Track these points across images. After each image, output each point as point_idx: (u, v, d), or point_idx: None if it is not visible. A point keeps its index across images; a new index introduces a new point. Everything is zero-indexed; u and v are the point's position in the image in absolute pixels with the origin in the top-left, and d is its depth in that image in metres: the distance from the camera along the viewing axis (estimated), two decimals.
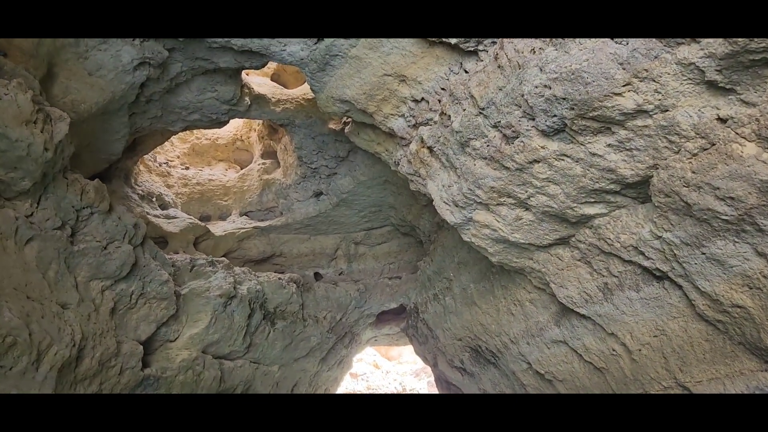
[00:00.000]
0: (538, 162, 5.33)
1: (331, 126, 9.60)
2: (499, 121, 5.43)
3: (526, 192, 5.72)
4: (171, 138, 12.41)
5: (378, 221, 12.49)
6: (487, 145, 5.69)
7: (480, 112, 5.64)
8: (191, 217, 11.04)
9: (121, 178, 9.90)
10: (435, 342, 11.70)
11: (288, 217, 11.85)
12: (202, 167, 12.85)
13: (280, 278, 10.85)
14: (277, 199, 11.99)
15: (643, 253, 5.29)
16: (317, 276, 12.97)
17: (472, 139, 5.80)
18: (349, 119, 8.87)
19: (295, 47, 6.93)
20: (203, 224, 11.00)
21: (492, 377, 9.94)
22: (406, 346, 20.65)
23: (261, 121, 12.44)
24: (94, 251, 6.49)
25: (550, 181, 5.44)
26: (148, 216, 10.19)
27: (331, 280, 12.82)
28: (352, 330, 13.29)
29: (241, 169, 13.06)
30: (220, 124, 9.68)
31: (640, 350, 5.97)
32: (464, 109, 5.89)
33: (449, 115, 6.15)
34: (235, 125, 13.61)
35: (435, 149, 6.68)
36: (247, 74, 9.56)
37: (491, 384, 10.12)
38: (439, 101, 6.60)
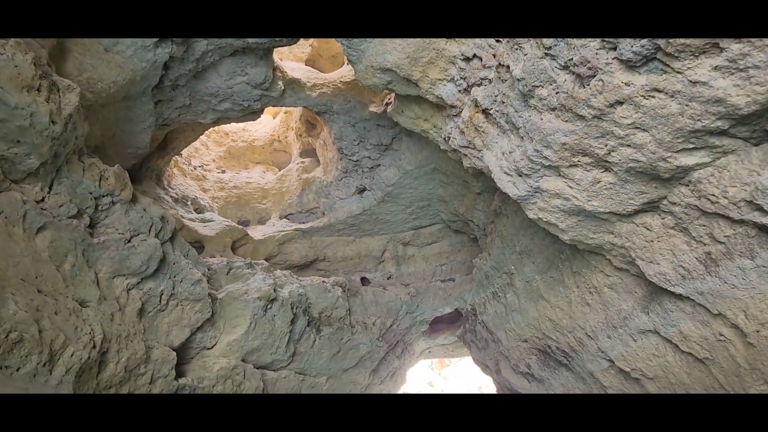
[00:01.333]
0: (622, 104, 4.47)
1: (372, 109, 8.94)
2: (571, 59, 4.61)
3: (606, 145, 4.85)
4: (206, 142, 12.03)
5: (427, 218, 11.70)
6: (556, 92, 4.86)
7: (546, 53, 4.84)
8: (228, 220, 10.53)
9: (153, 179, 9.49)
10: (496, 346, 10.74)
11: (330, 217, 11.21)
12: (239, 171, 12.41)
13: (324, 281, 10.18)
14: (318, 199, 11.38)
15: (761, 208, 4.33)
16: (364, 281, 12.24)
17: (538, 87, 4.98)
18: (391, 96, 8.19)
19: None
20: (241, 227, 10.47)
21: (564, 381, 8.92)
22: (463, 358, 19.58)
23: (298, 119, 11.92)
24: (116, 244, 5.96)
25: (636, 127, 4.57)
26: (183, 219, 9.72)
27: (379, 284, 12.07)
28: (404, 339, 12.47)
29: (280, 171, 12.54)
30: (254, 114, 9.17)
31: (758, 331, 4.96)
32: (526, 54, 5.10)
33: (507, 66, 5.36)
34: (272, 126, 13.17)
35: (492, 111, 5.89)
36: (281, 59, 9.02)
37: (564, 389, 9.09)
38: (494, 55, 5.83)
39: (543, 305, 8.33)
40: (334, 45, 9.80)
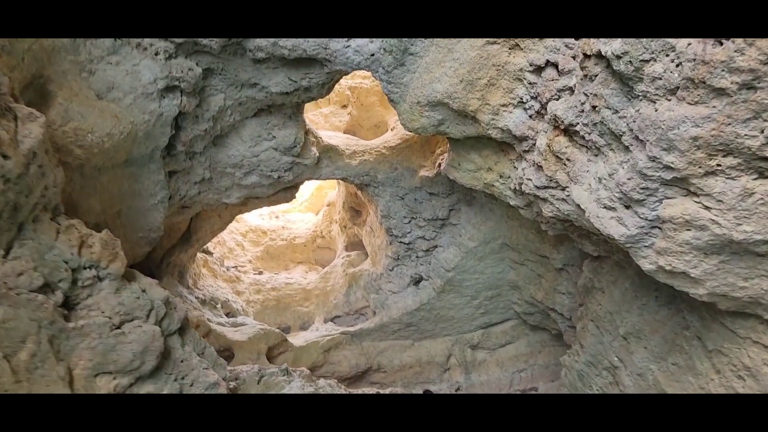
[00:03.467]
0: None
1: (424, 173, 7.78)
2: None
3: (764, 131, 3.41)
4: (242, 242, 11.07)
5: (498, 312, 10.02)
6: (677, 63, 3.54)
7: None
8: (263, 324, 9.19)
9: (175, 276, 8.41)
10: None
11: (383, 316, 9.72)
12: (278, 272, 11.26)
13: (378, 392, 8.50)
14: (368, 296, 9.98)
15: None
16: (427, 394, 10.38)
17: (648, 61, 3.68)
18: (444, 155, 7.03)
19: (362, 40, 5.39)
20: (278, 331, 9.09)
21: None
22: None
23: (341, 207, 10.88)
24: (98, 330, 4.68)
25: None
26: (210, 323, 8.47)
27: None
28: None
29: (324, 269, 11.32)
30: (287, 192, 8.16)
31: None
32: None
33: (597, 51, 4.11)
34: (314, 222, 12.18)
35: (578, 127, 4.59)
36: (315, 128, 8.10)
37: None
38: (573, 57, 4.63)
39: None
40: (376, 113, 8.96)
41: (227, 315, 9.37)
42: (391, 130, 8.51)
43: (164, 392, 5.32)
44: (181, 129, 6.17)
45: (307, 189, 14.05)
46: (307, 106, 9.19)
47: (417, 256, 9.15)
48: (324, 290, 10.63)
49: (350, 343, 9.88)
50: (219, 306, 9.31)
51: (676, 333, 6.04)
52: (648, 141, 3.87)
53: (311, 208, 13.18)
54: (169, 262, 8.29)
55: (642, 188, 4.11)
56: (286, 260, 11.63)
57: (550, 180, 5.18)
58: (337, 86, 9.15)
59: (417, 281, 9.50)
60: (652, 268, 4.61)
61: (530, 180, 5.46)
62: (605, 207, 4.59)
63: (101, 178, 5.80)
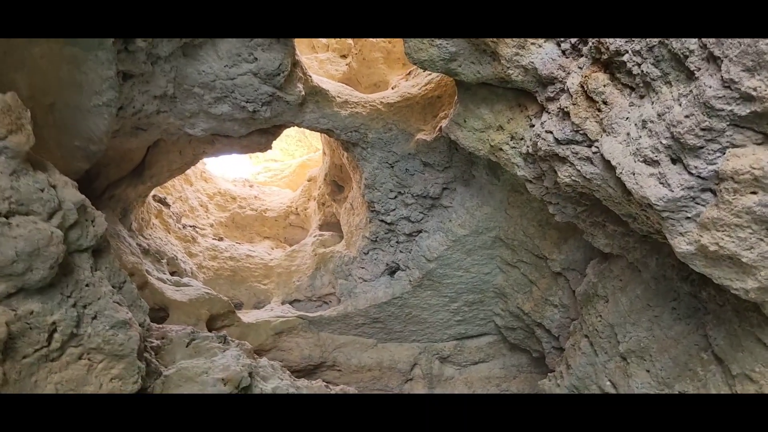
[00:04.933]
0: None
1: (422, 137, 6.83)
2: None
3: None
4: (206, 203, 10.04)
5: (476, 323, 9.02)
6: None
7: None
8: (211, 289, 8.12)
9: (117, 212, 7.36)
10: None
11: (347, 305, 8.68)
12: (240, 242, 10.20)
13: (327, 386, 7.44)
14: (335, 281, 8.95)
15: None
16: None
17: None
18: (447, 114, 6.10)
19: None
20: (226, 299, 8.01)
21: None
22: None
23: (323, 180, 9.89)
24: None
25: None
26: (148, 275, 7.40)
27: None
28: None
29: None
30: (263, 137, 7.18)
31: None
32: None
33: None
34: (290, 197, 11.18)
35: (626, 57, 3.69)
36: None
37: None
38: None
39: None
40: (378, 70, 8.05)
41: (172, 274, 8.29)
42: (392, 88, 7.60)
43: (54, 316, 4.25)
44: None
45: (290, 166, 13.08)
46: (302, 48, 8.28)
47: (397, 241, 8.15)
48: (288, 269, 9.58)
49: (306, 330, 8.81)
50: (164, 261, 8.24)
51: (690, 354, 5.08)
52: (726, 57, 2.96)
53: (291, 185, 12.20)
54: (113, 195, 7.24)
55: (703, 128, 3.18)
56: (252, 233, 10.58)
57: (577, 131, 4.26)
58: None
59: (393, 271, 8.50)
60: (689, 250, 3.68)
61: (550, 133, 4.54)
62: (645, 161, 3.67)
63: (32, 49, 4.81)
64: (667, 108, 3.43)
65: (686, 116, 3.26)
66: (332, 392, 7.55)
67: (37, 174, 4.14)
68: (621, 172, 3.84)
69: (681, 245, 3.73)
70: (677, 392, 5.23)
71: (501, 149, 5.48)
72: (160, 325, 6.60)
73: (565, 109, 4.30)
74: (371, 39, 7.97)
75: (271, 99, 6.37)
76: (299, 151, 14.39)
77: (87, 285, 4.51)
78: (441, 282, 8.16)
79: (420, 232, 7.89)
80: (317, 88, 6.73)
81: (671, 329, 5.24)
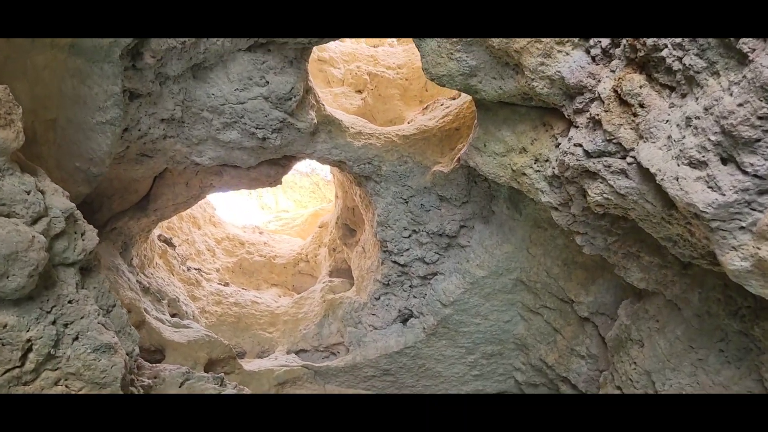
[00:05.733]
0: None
1: (439, 168, 6.51)
2: None
3: None
4: (214, 248, 9.73)
5: (494, 379, 8.39)
6: None
7: None
8: (211, 332, 7.66)
9: (117, 245, 7.04)
10: None
11: (356, 355, 8.14)
12: (247, 288, 9.79)
13: None
14: (344, 329, 8.45)
15: None
16: None
17: None
18: (465, 146, 5.81)
19: None
20: (227, 343, 7.53)
21: None
22: None
23: (335, 224, 9.56)
24: None
25: None
26: (146, 314, 6.99)
27: None
28: None
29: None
30: (272, 169, 6.93)
31: None
32: None
33: None
34: (300, 244, 10.83)
35: (665, 52, 3.39)
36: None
37: None
38: None
39: None
40: (394, 106, 7.87)
41: (172, 316, 7.87)
42: (408, 122, 7.38)
43: (30, 333, 3.86)
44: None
45: (302, 215, 12.82)
46: (316, 81, 8.15)
47: (411, 285, 7.70)
48: (295, 317, 9.10)
49: (311, 381, 8.24)
50: (165, 302, 7.84)
51: None
52: None
53: (302, 234, 11.88)
54: (115, 228, 6.95)
55: (761, 116, 2.83)
56: (259, 279, 10.18)
57: (609, 140, 3.91)
58: (354, 67, 8.15)
59: (405, 318, 8.00)
60: (744, 267, 3.25)
61: (579, 146, 4.20)
62: (690, 163, 3.29)
63: (35, 57, 4.64)
64: (716, 100, 3.08)
65: (739, 105, 2.91)
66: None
67: (24, 176, 3.87)
68: (662, 179, 3.46)
69: (734, 261, 3.30)
70: None
71: (524, 174, 5.13)
72: (153, 365, 6.14)
73: (596, 117, 3.98)
74: (388, 76, 7.84)
75: (281, 126, 6.15)
76: (312, 203, 14.19)
77: (70, 302, 4.13)
78: (457, 330, 7.64)
79: (435, 274, 7.45)
80: (330, 117, 6.52)
81: (719, 374, 4.68)
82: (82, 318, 4.18)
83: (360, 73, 7.91)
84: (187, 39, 5.18)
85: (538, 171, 5.02)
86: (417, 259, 7.38)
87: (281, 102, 5.95)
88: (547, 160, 4.90)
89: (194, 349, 7.13)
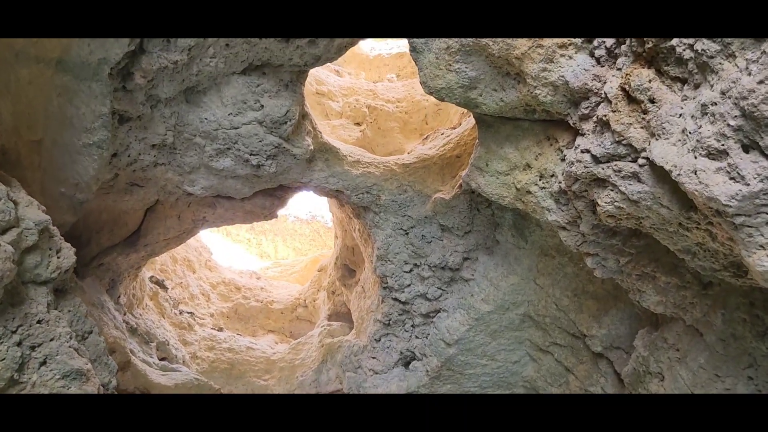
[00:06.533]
0: None
1: (441, 195, 6.26)
2: None
3: None
4: (208, 292, 9.42)
5: None
6: None
7: None
8: (201, 376, 7.25)
9: (104, 282, 6.75)
10: None
11: None
12: (242, 334, 9.40)
13: None
14: (343, 374, 8.01)
15: None
16: None
17: None
18: (466, 172, 5.59)
19: None
20: (218, 387, 7.10)
21: None
22: None
23: (333, 264, 9.26)
24: None
25: None
26: (132, 355, 6.62)
27: None
28: None
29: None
30: (267, 200, 6.70)
31: None
32: None
33: None
34: (299, 290, 10.49)
35: (675, 41, 3.20)
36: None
37: None
38: None
39: None
40: (393, 139, 7.71)
41: (161, 359, 7.47)
42: (408, 153, 7.19)
43: None
44: (145, 52, 4.95)
45: (301, 261, 12.51)
46: (315, 114, 8.03)
47: (413, 324, 7.32)
48: (291, 363, 8.67)
49: None
50: (153, 345, 7.46)
51: None
52: None
53: (301, 281, 11.55)
54: (102, 264, 6.67)
55: None
56: (255, 325, 9.79)
57: (619, 141, 3.69)
58: (353, 100, 8.05)
59: (407, 361, 7.57)
60: None
61: (587, 152, 3.97)
62: (708, 154, 3.04)
63: (20, 70, 4.51)
64: (733, 82, 2.87)
65: (759, 82, 2.69)
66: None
67: None
68: (679, 174, 3.21)
69: (763, 262, 3.01)
70: None
71: (529, 192, 4.89)
72: None
73: (604, 119, 3.77)
74: (388, 110, 7.74)
75: (276, 151, 5.97)
76: (313, 251, 13.92)
77: (39, 322, 3.82)
78: (462, 373, 7.21)
79: (438, 312, 7.09)
80: (327, 145, 6.35)
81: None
82: (51, 340, 3.86)
83: (359, 106, 7.82)
84: (179, 59, 5.07)
85: (544, 188, 4.78)
86: (419, 295, 7.04)
87: (276, 126, 5.79)
88: (552, 175, 4.67)
89: (182, 393, 6.71)
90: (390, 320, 7.40)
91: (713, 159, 3.05)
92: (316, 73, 8.13)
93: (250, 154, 5.95)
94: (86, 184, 5.44)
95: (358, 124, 7.97)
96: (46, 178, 5.32)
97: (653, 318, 5.26)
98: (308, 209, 14.95)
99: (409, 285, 7.01)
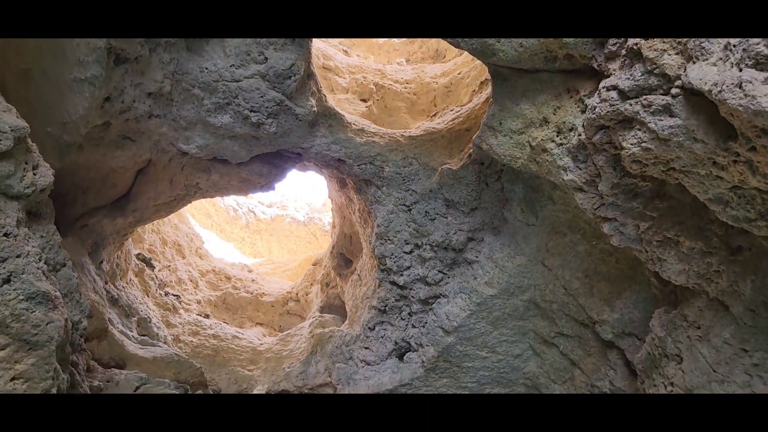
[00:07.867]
0: None
1: (448, 166, 5.96)
2: None
3: None
4: (197, 279, 9.05)
5: None
6: None
7: None
8: (182, 353, 6.84)
9: (87, 243, 6.40)
10: None
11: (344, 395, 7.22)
12: (228, 323, 8.98)
13: None
14: (332, 366, 7.58)
15: None
16: None
17: None
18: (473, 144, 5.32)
19: None
20: (198, 365, 6.69)
21: None
22: None
23: (329, 253, 8.90)
24: None
25: None
26: (110, 325, 6.23)
27: None
28: None
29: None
30: (265, 168, 6.40)
31: None
32: None
33: None
34: (292, 284, 10.10)
35: None
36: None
37: None
38: None
39: None
40: (400, 118, 7.45)
41: (140, 334, 7.06)
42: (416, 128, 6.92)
43: None
44: None
45: (295, 260, 12.13)
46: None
47: (410, 312, 6.94)
48: (279, 354, 8.24)
49: None
50: (134, 320, 7.05)
51: None
52: None
53: (293, 278, 11.15)
54: (86, 225, 6.32)
55: None
56: (244, 317, 9.37)
57: (651, 71, 3.42)
58: (360, 77, 7.82)
59: (402, 352, 7.16)
60: None
61: (614, 89, 3.70)
62: (757, 63, 2.78)
63: None
64: None
65: None
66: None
67: None
68: (721, 91, 2.92)
69: None
70: None
71: (544, 149, 4.60)
72: (107, 369, 5.34)
73: (635, 48, 3.51)
74: (395, 89, 7.50)
75: (278, 109, 5.70)
76: (307, 253, 13.55)
77: (6, 235, 3.47)
78: (460, 365, 6.80)
79: (438, 297, 6.72)
80: (331, 110, 6.09)
81: None
82: (18, 257, 3.50)
83: (366, 83, 7.58)
84: None
85: (561, 144, 4.49)
86: (418, 279, 6.68)
87: (279, 81, 5.53)
88: (571, 129, 4.39)
89: (159, 367, 6.29)
90: (386, 306, 7.02)
91: (761, 69, 2.78)
92: (323, 47, 7.93)
93: (251, 111, 5.67)
94: (74, 124, 5.13)
95: (364, 100, 7.72)
96: (33, 115, 5.00)
97: (671, 297, 4.91)
98: (305, 211, 14.61)
99: (408, 267, 6.66)
